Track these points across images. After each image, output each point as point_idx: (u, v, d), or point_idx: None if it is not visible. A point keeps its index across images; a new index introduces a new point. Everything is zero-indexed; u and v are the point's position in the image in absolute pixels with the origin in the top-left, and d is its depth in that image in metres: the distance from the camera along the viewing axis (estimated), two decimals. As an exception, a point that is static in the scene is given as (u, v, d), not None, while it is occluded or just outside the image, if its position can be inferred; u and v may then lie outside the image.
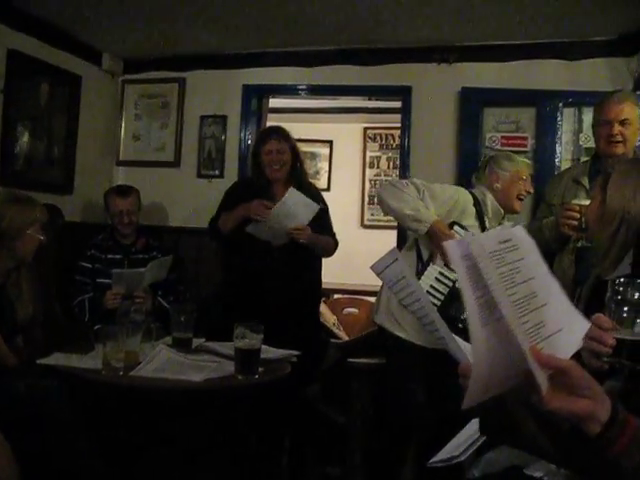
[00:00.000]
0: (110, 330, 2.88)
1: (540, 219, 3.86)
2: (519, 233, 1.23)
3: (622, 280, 1.66)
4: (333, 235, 4.36)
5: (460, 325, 2.96)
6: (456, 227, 3.61)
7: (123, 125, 5.65)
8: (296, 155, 4.29)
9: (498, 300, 1.07)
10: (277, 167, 4.18)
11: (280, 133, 4.28)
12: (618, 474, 1.16)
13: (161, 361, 2.98)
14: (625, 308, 1.62)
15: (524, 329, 1.12)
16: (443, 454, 2.29)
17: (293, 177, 4.24)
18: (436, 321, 1.29)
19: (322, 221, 4.22)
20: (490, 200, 3.79)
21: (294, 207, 4.00)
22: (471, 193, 3.80)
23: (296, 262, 4.14)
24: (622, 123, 3.57)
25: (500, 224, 3.83)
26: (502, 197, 3.80)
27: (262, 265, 4.11)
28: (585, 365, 1.64)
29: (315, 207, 4.06)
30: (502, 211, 3.81)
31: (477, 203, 3.76)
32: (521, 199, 3.83)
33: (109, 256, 4.38)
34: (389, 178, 7.74)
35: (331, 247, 4.34)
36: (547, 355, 1.12)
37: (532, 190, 3.88)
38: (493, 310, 1.08)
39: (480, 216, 3.75)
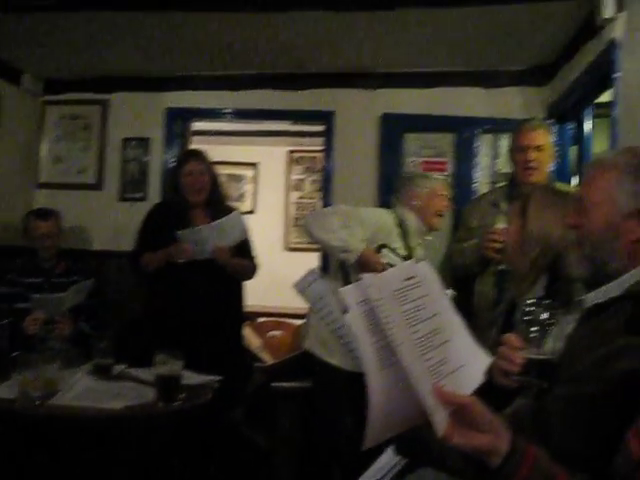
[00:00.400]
0: (27, 357, 2.82)
1: (460, 242, 3.94)
2: (423, 269, 1.26)
3: (531, 301, 1.72)
4: (252, 258, 4.36)
5: None
6: (384, 250, 3.67)
7: (44, 147, 5.55)
8: (214, 179, 4.29)
9: (396, 342, 1.08)
10: (197, 189, 4.17)
11: (200, 156, 4.28)
12: None
13: (80, 389, 2.93)
14: (534, 328, 1.68)
15: (427, 366, 1.14)
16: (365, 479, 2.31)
17: (212, 201, 4.24)
18: (352, 342, 1.31)
19: (242, 243, 4.22)
20: (411, 219, 3.86)
21: (229, 229, 4.04)
22: (393, 213, 3.87)
23: (217, 286, 4.12)
24: (537, 149, 3.69)
25: (421, 242, 3.92)
26: (421, 214, 3.87)
27: (184, 290, 4.08)
28: (494, 384, 1.69)
29: (244, 234, 4.11)
30: (424, 228, 3.88)
31: (399, 223, 3.83)
32: (440, 215, 3.91)
33: (29, 280, 4.28)
34: (313, 201, 7.81)
35: (250, 271, 4.34)
36: (449, 392, 1.15)
37: (449, 207, 3.98)
38: (392, 353, 1.09)
39: (404, 236, 3.82)
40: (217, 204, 4.25)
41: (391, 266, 3.62)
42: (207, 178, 4.21)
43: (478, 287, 3.74)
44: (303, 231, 3.91)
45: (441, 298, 1.27)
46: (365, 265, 3.54)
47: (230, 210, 4.31)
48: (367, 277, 1.11)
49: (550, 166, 3.87)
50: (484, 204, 3.94)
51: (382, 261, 3.60)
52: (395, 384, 1.11)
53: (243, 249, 4.25)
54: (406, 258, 3.71)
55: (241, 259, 4.22)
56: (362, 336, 1.09)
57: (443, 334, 1.23)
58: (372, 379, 1.09)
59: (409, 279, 1.19)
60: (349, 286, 1.13)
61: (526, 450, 1.21)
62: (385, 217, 3.83)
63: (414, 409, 1.13)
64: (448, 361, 1.21)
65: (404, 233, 3.83)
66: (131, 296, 4.95)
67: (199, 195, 4.19)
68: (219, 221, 4.01)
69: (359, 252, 3.55)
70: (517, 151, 3.77)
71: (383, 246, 3.70)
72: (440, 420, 1.12)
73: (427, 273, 1.25)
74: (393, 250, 3.70)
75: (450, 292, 3.68)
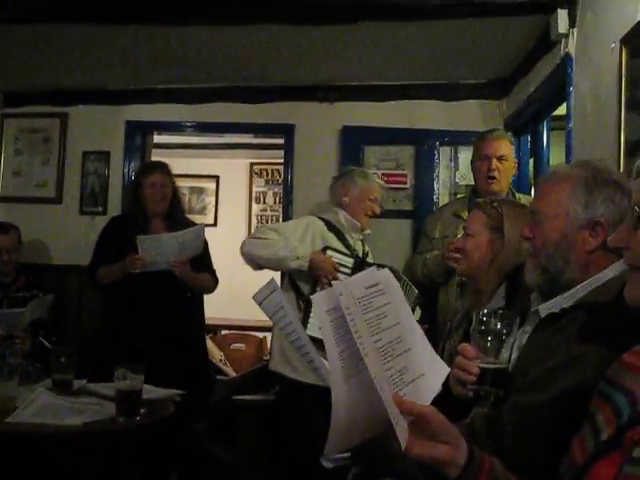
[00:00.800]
0: (-16, 374, 2.79)
1: (422, 253, 3.96)
2: (385, 277, 1.26)
3: (485, 311, 1.75)
4: (213, 272, 4.36)
5: None
6: (329, 252, 3.69)
7: (3, 160, 5.49)
8: (175, 191, 4.30)
9: (363, 352, 1.09)
10: (159, 199, 4.18)
11: (164, 167, 4.29)
12: None
13: (39, 405, 2.88)
14: (489, 338, 1.71)
15: (388, 375, 1.15)
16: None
17: (172, 213, 4.25)
18: (311, 352, 1.32)
19: (202, 257, 4.22)
20: (343, 216, 3.88)
21: (189, 241, 4.03)
22: (321, 219, 3.88)
23: (177, 298, 4.12)
24: (499, 159, 3.72)
25: (360, 237, 3.94)
26: (351, 212, 3.89)
27: (142, 303, 4.06)
28: (451, 394, 1.70)
29: (200, 249, 4.11)
30: (358, 225, 3.89)
31: (331, 227, 3.85)
32: (369, 216, 3.92)
33: (-14, 294, 4.24)
34: (275, 213, 7.81)
35: (209, 284, 4.33)
36: (408, 402, 1.16)
37: (378, 211, 3.95)
38: (357, 362, 1.10)
39: (340, 237, 3.84)
40: (176, 216, 4.26)
41: (342, 265, 3.65)
42: (168, 190, 4.23)
43: (442, 297, 3.77)
44: (246, 260, 3.77)
45: (402, 306, 1.28)
46: (317, 268, 3.60)
47: (189, 223, 4.30)
48: (337, 285, 1.11)
49: (511, 177, 3.91)
50: (446, 215, 3.96)
51: (332, 261, 3.65)
52: (359, 394, 1.12)
53: (203, 262, 4.24)
54: (352, 255, 3.75)
55: (201, 273, 4.21)
56: (330, 345, 1.09)
57: (404, 343, 1.23)
58: (336, 388, 1.09)
59: (372, 286, 1.19)
60: (319, 293, 1.13)
61: (482, 461, 1.23)
62: (314, 225, 3.84)
63: (376, 419, 1.14)
64: (409, 370, 1.22)
65: (340, 234, 3.85)
66: (92, 310, 4.91)
67: (160, 205, 4.20)
68: (181, 232, 4.02)
69: (309, 256, 3.60)
70: (479, 160, 3.79)
71: (327, 248, 3.72)
72: (402, 430, 1.13)
73: (389, 281, 1.25)
74: (336, 250, 3.73)
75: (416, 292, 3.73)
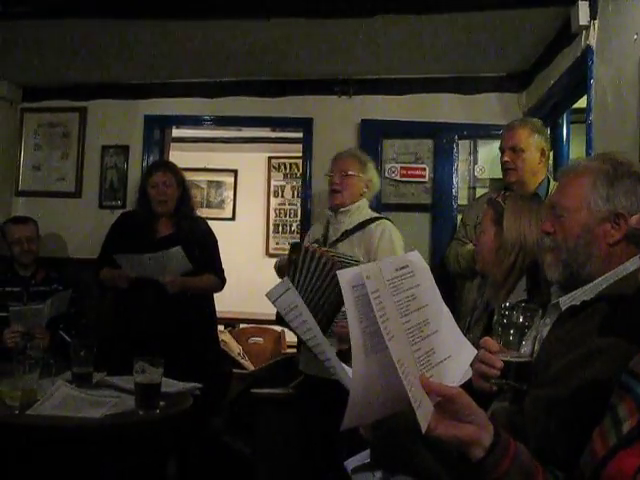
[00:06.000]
0: (6, 367, 2.81)
1: (458, 238, 3.97)
2: (415, 259, 1.26)
3: (507, 304, 1.74)
4: (220, 272, 4.32)
5: None
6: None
7: (22, 154, 5.53)
8: (184, 189, 4.29)
9: (388, 335, 1.09)
10: (162, 200, 4.17)
11: (167, 166, 4.31)
12: None
13: (59, 398, 2.91)
14: (511, 331, 1.70)
15: (416, 357, 1.15)
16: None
17: (180, 211, 4.24)
18: (327, 351, 1.32)
19: (207, 255, 4.23)
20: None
21: (167, 262, 3.98)
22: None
23: (185, 294, 4.09)
24: (513, 149, 3.62)
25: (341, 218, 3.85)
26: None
27: (151, 298, 4.05)
28: (472, 387, 1.70)
29: (188, 268, 4.05)
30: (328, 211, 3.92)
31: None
32: (332, 190, 3.84)
33: (7, 289, 4.26)
34: (293, 207, 7.81)
35: (213, 285, 4.30)
36: (435, 383, 1.15)
37: (335, 182, 3.84)
38: (380, 340, 1.09)
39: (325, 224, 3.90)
40: (185, 215, 4.24)
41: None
42: (172, 190, 4.20)
43: (467, 291, 3.74)
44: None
45: (432, 289, 1.28)
46: (280, 269, 3.80)
47: (198, 222, 4.31)
48: (364, 267, 1.11)
49: (537, 167, 3.67)
50: (481, 203, 3.94)
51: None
52: (379, 371, 1.11)
53: (207, 262, 4.23)
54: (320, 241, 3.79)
55: (200, 277, 4.18)
56: (353, 319, 1.09)
57: (432, 325, 1.23)
58: (356, 362, 1.09)
59: (402, 268, 1.19)
60: (346, 270, 1.12)
61: (508, 444, 1.22)
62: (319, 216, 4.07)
63: (395, 398, 1.13)
64: (436, 352, 1.22)
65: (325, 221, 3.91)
66: (111, 305, 4.93)
67: (164, 206, 4.19)
68: (160, 253, 3.96)
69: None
70: (500, 151, 3.75)
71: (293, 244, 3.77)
72: (424, 411, 1.12)
73: (419, 263, 1.25)
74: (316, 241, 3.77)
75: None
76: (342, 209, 3.78)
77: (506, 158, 3.65)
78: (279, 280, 1.33)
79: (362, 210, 3.83)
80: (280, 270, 3.81)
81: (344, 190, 3.77)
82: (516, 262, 2.33)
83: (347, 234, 3.73)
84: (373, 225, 3.73)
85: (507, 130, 3.75)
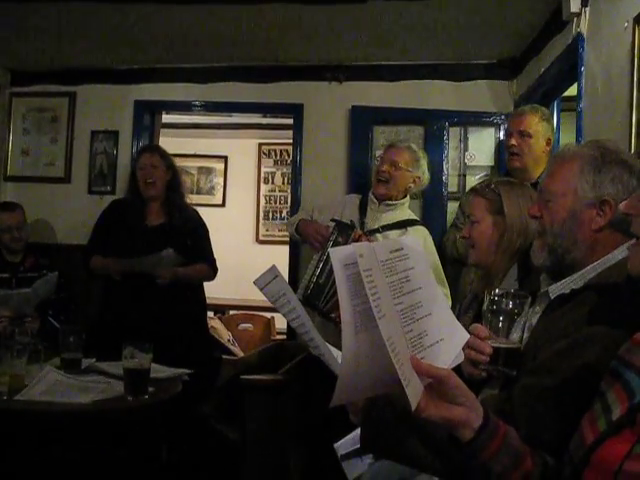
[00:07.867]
0: (-7, 353, 2.80)
1: (455, 224, 4.00)
2: (410, 242, 1.27)
3: (498, 291, 1.75)
4: (212, 261, 4.30)
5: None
6: (330, 222, 3.76)
7: (11, 139, 5.49)
8: (174, 175, 4.26)
9: (378, 314, 1.09)
10: (149, 182, 4.12)
11: (155, 149, 4.30)
12: (488, 478, 1.22)
13: (48, 383, 2.91)
14: (500, 317, 1.71)
15: (408, 338, 1.16)
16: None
17: (169, 198, 4.21)
18: (316, 338, 1.32)
19: (199, 245, 4.22)
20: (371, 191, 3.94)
21: (160, 263, 3.97)
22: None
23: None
24: (521, 134, 3.60)
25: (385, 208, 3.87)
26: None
27: (142, 286, 4.02)
28: (462, 373, 1.70)
29: (180, 263, 4.05)
30: (373, 195, 3.90)
31: (363, 200, 3.91)
32: (379, 180, 3.83)
33: (-4, 275, 4.25)
34: (283, 193, 7.81)
35: (205, 275, 4.29)
36: (425, 364, 1.15)
37: (383, 171, 3.83)
38: (371, 319, 1.10)
39: (362, 209, 3.88)
40: (174, 202, 4.21)
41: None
42: (160, 172, 4.17)
43: (464, 277, 3.72)
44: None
45: (426, 272, 1.28)
46: (303, 234, 3.80)
47: (188, 209, 4.29)
48: (357, 246, 1.11)
49: (542, 154, 3.64)
50: None
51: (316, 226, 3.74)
52: (369, 349, 1.11)
53: (199, 252, 4.21)
54: (347, 224, 3.73)
55: (193, 267, 4.16)
56: (344, 297, 1.09)
57: (425, 308, 1.23)
58: (346, 339, 1.09)
59: (397, 251, 1.20)
60: (339, 248, 1.12)
61: (497, 426, 1.23)
62: (352, 199, 3.98)
63: (385, 377, 1.13)
64: (428, 334, 1.22)
65: (361, 206, 3.88)
66: (100, 290, 4.92)
67: (151, 188, 4.15)
68: (148, 257, 3.95)
69: (297, 221, 3.81)
70: (506, 136, 3.73)
71: (333, 220, 3.75)
72: (414, 390, 1.13)
73: (414, 247, 1.26)
74: (335, 220, 3.76)
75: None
76: (389, 202, 3.82)
77: (513, 142, 3.62)
78: (276, 268, 1.32)
79: (404, 209, 3.86)
80: (302, 234, 3.82)
81: (391, 182, 3.78)
82: (522, 246, 2.35)
83: (385, 229, 3.76)
84: (411, 229, 3.76)
85: (516, 114, 3.76)
